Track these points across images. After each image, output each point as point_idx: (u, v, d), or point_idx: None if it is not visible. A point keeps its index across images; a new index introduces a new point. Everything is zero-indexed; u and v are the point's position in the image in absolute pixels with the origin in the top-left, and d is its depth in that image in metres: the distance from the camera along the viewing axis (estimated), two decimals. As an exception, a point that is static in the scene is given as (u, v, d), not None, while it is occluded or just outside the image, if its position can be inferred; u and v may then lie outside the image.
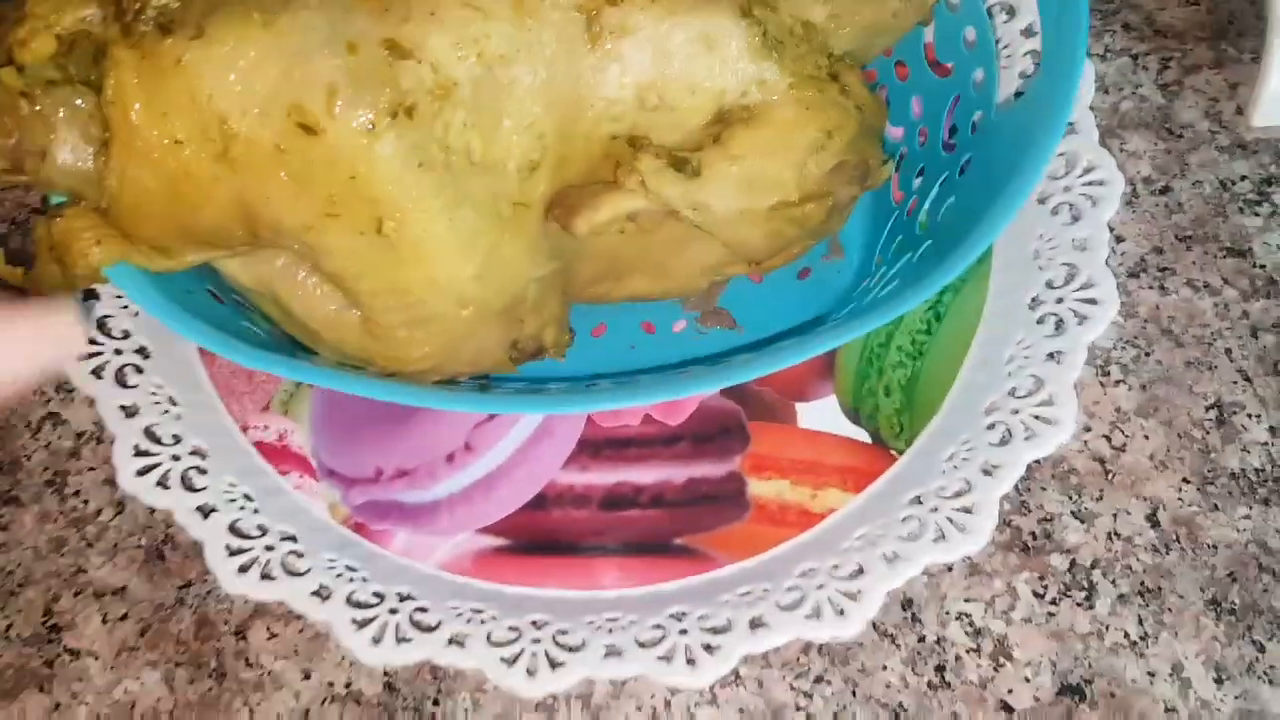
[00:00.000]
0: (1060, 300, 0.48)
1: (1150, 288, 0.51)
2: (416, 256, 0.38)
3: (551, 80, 0.39)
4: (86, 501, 0.49)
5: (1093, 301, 0.47)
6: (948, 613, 0.45)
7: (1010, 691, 0.43)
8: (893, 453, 0.48)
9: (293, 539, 0.46)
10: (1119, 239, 0.52)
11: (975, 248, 0.37)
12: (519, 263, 0.41)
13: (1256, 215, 0.52)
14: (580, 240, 0.42)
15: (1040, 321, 0.48)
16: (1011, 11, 0.51)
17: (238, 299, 0.44)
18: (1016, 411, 0.46)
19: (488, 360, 0.43)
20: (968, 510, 0.44)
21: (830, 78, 0.42)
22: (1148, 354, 0.50)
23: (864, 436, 0.48)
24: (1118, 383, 0.49)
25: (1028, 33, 0.50)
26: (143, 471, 0.47)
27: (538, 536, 0.47)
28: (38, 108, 0.36)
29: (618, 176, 0.41)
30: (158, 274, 0.39)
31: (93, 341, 0.49)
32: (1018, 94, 0.43)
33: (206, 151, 0.36)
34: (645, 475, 0.48)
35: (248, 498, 0.47)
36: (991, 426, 0.46)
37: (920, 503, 0.45)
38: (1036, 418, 0.46)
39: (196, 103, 0.35)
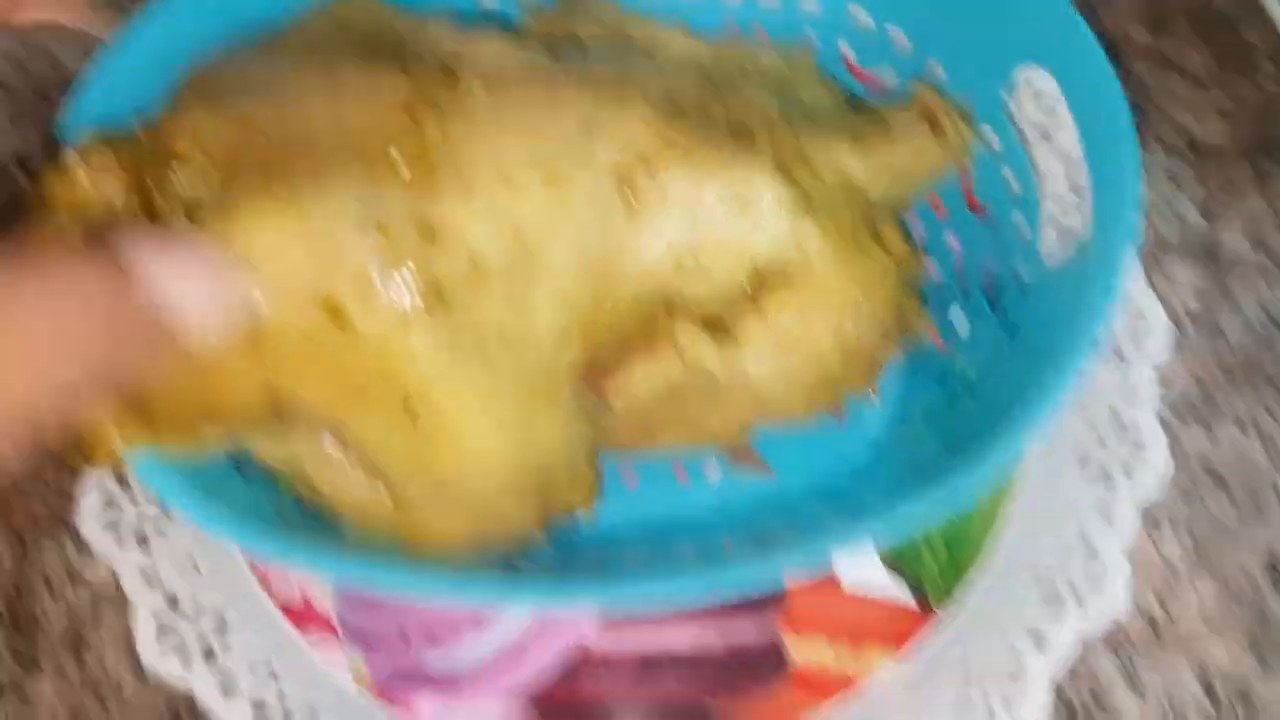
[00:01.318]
0: (1107, 451, 0.46)
1: (1198, 431, 0.49)
2: (447, 437, 0.37)
3: (584, 249, 0.38)
4: (106, 667, 0.47)
5: (1141, 455, 0.46)
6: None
7: None
8: (936, 611, 0.46)
9: (316, 715, 0.44)
10: (1164, 378, 0.50)
11: (1020, 435, 0.36)
12: (550, 433, 0.40)
13: (1306, 346, 0.51)
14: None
15: (1088, 478, 0.46)
16: (1047, 135, 0.49)
17: (265, 476, 0.42)
18: (1065, 574, 0.44)
19: (518, 529, 0.42)
20: (1015, 681, 0.42)
21: (866, 230, 0.41)
22: (1198, 504, 0.48)
23: (905, 593, 0.46)
24: (1167, 536, 0.47)
25: (1066, 159, 0.49)
26: (164, 644, 0.45)
27: (571, 707, 0.45)
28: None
29: (653, 343, 0.40)
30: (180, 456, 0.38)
31: (110, 503, 0.47)
32: (1065, 249, 0.42)
33: (236, 339, 0.35)
34: (681, 642, 0.46)
35: (270, 667, 0.45)
36: (1039, 589, 0.44)
37: (966, 674, 0.43)
38: (1086, 583, 0.44)
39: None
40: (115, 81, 0.40)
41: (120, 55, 0.41)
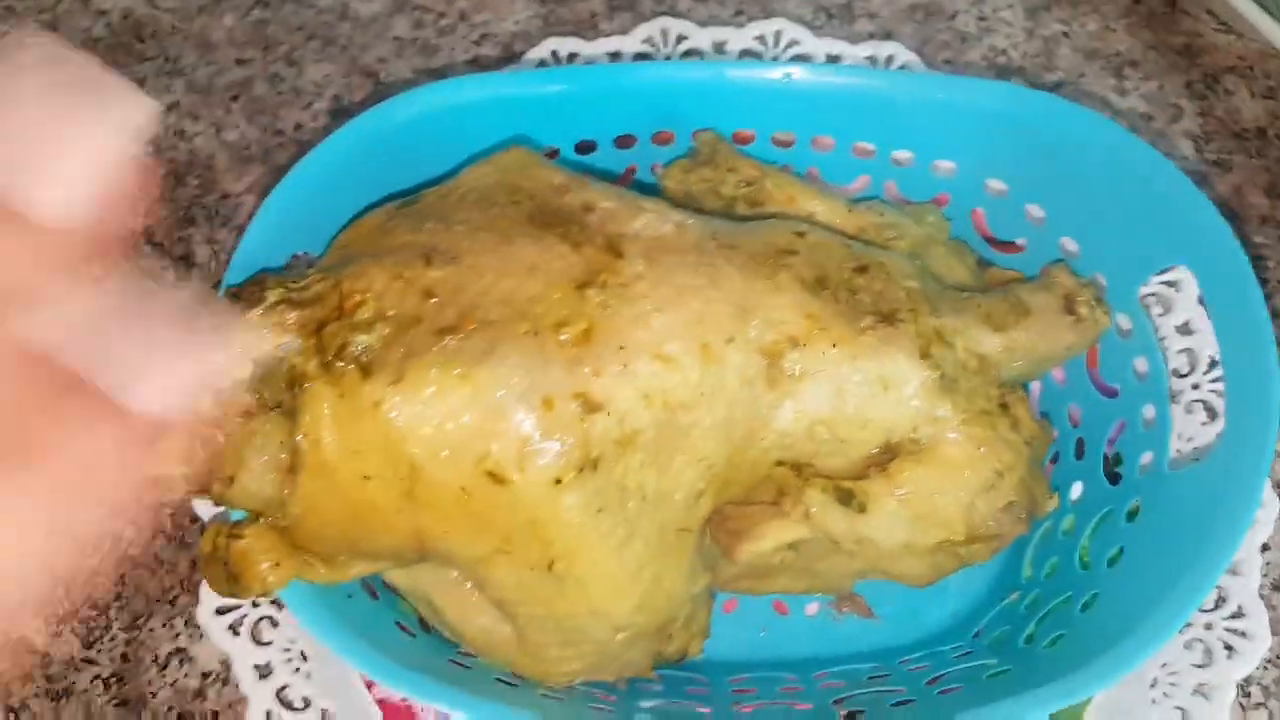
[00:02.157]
0: (1209, 627, 0.47)
1: (1299, 604, 0.50)
2: (582, 591, 0.38)
3: (728, 419, 0.39)
4: (211, 754, 0.49)
5: (1242, 634, 0.46)
6: None
7: None
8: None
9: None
10: (1264, 547, 0.51)
11: (1155, 635, 0.36)
12: (678, 588, 0.41)
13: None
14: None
15: (1188, 647, 0.47)
16: (1166, 304, 0.50)
17: (391, 590, 0.44)
18: (1165, 748, 0.45)
19: (631, 670, 0.43)
20: None
21: (1001, 410, 0.42)
22: (1295, 679, 0.48)
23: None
24: (1258, 705, 0.48)
25: (1184, 330, 0.49)
26: (273, 738, 0.46)
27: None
28: (231, 437, 0.36)
29: (782, 505, 0.41)
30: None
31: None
32: (1195, 442, 0.43)
33: (394, 488, 0.36)
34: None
35: (372, 770, 0.47)
36: (1138, 761, 0.45)
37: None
38: (1186, 756, 0.45)
39: (389, 443, 0.35)
40: (280, 221, 0.42)
41: (285, 192, 0.42)
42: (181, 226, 0.59)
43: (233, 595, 0.39)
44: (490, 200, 0.40)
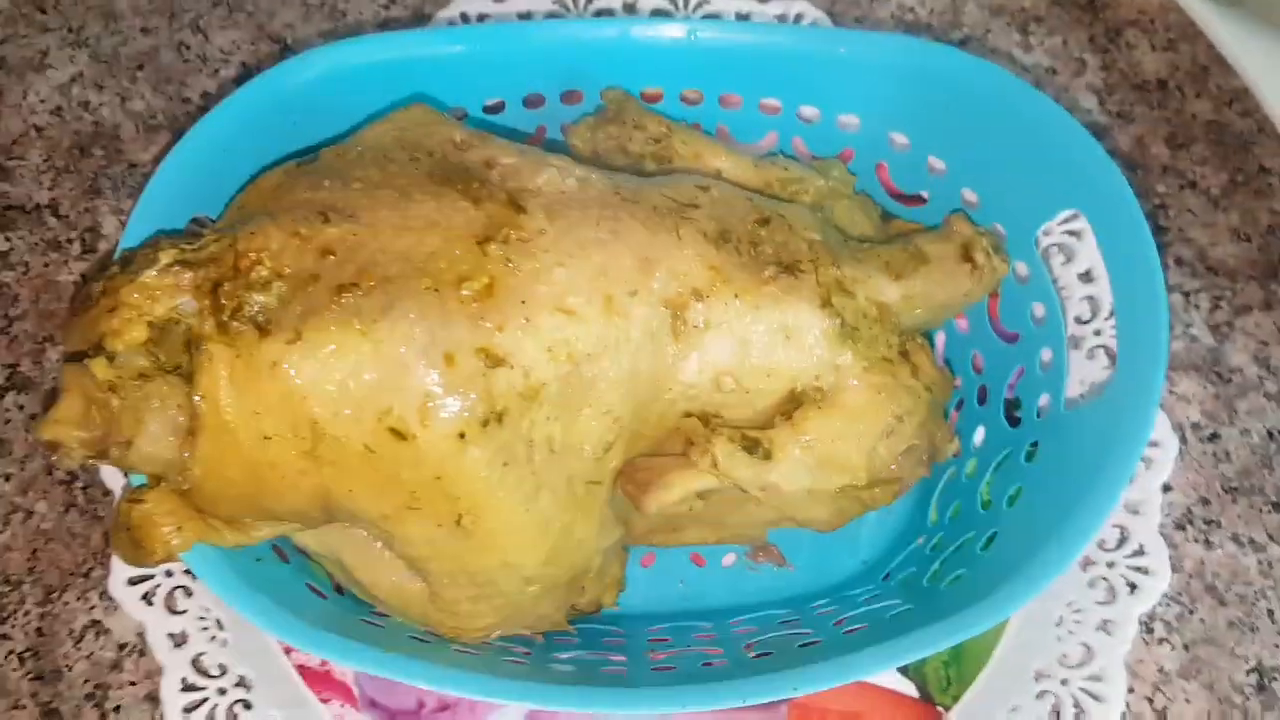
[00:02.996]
0: (1112, 565, 0.48)
1: (1196, 541, 0.51)
2: (492, 545, 0.38)
3: (634, 371, 0.39)
4: (127, 719, 0.49)
5: (1144, 570, 0.48)
6: None
7: None
8: (939, 709, 0.48)
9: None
10: (1166, 487, 0.52)
11: (1049, 569, 0.37)
12: (588, 539, 0.41)
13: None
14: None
15: (1091, 585, 0.48)
16: (1069, 253, 0.51)
17: (302, 553, 0.43)
18: (1065, 682, 0.47)
19: (545, 624, 0.43)
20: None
21: (901, 357, 0.43)
22: (1191, 612, 0.50)
23: (911, 689, 0.48)
24: (1161, 640, 0.50)
25: (1086, 278, 0.51)
26: (189, 708, 0.46)
27: (584, 785, 0.47)
28: (125, 400, 0.36)
29: (690, 455, 0.41)
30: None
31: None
32: (1090, 380, 0.44)
33: (295, 448, 0.36)
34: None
35: (291, 735, 0.47)
36: (1040, 696, 0.46)
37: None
38: (1085, 692, 0.46)
39: (289, 403, 0.35)
40: (177, 181, 0.41)
41: (181, 156, 0.41)
42: (88, 198, 0.58)
43: (138, 563, 0.38)
44: (389, 157, 0.39)
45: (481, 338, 0.36)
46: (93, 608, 0.51)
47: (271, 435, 0.36)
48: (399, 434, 0.36)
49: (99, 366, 0.36)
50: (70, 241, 0.57)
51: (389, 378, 0.35)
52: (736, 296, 0.39)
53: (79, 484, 0.52)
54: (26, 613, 0.51)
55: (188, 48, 0.62)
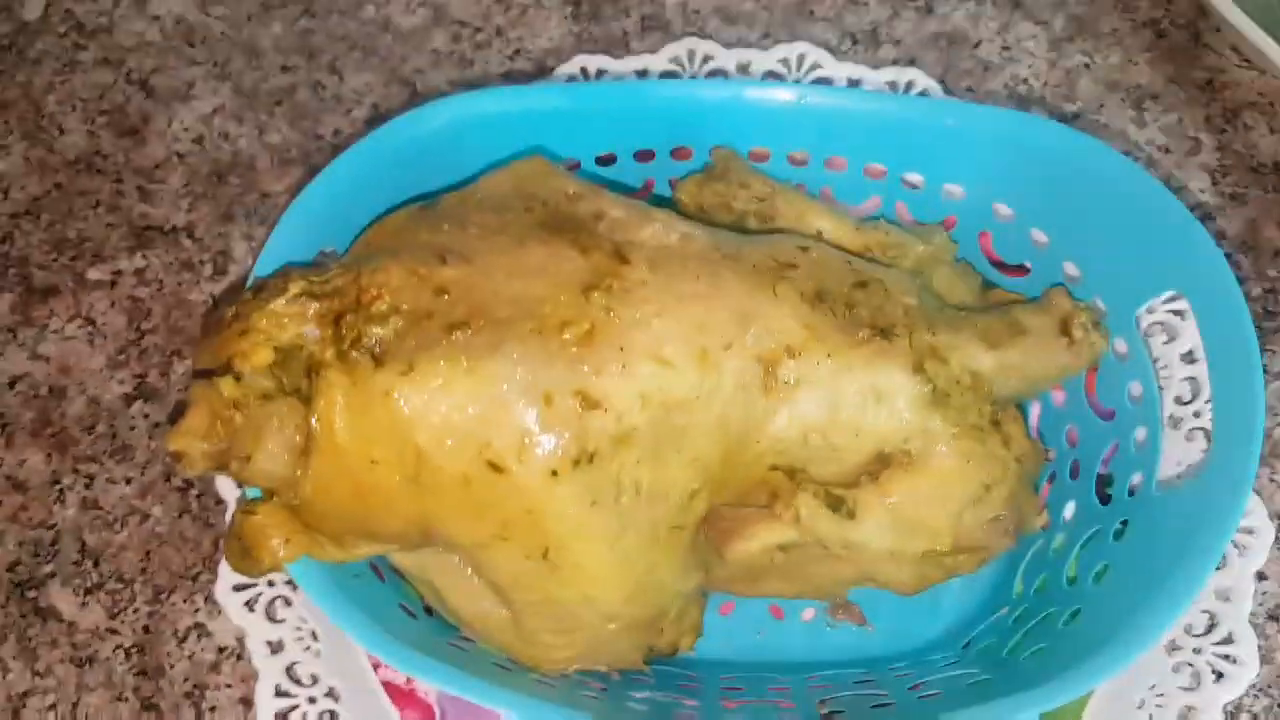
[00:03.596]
0: (1198, 651, 0.47)
1: (1290, 634, 0.50)
2: (576, 579, 0.40)
3: (723, 422, 0.40)
4: (221, 719, 0.51)
5: (1231, 659, 0.47)
6: None
7: None
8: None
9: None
10: (1260, 575, 0.51)
11: (1131, 648, 0.37)
12: (669, 582, 0.42)
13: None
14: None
15: (1176, 670, 0.47)
16: (1171, 332, 0.51)
17: (397, 573, 0.46)
18: (1147, 769, 0.46)
19: (623, 662, 0.44)
20: None
21: (992, 426, 0.43)
22: (1282, 706, 0.49)
23: (986, 761, 0.48)
24: (1249, 735, 0.49)
25: (1189, 359, 0.50)
26: (280, 714, 0.48)
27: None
28: (248, 418, 0.38)
29: (774, 508, 0.42)
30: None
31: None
32: (1185, 463, 0.43)
33: (399, 473, 0.38)
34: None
35: (374, 748, 0.48)
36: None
37: None
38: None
39: (397, 430, 0.37)
40: (308, 217, 0.44)
41: (315, 192, 0.44)
42: (222, 223, 0.62)
43: (245, 571, 0.41)
44: (505, 205, 0.42)
45: (579, 381, 0.38)
46: (197, 610, 0.53)
47: (379, 460, 0.38)
48: (496, 467, 0.37)
49: (226, 385, 0.38)
50: (203, 263, 0.61)
51: (490, 413, 0.37)
52: (829, 356, 0.41)
53: (194, 492, 0.56)
54: (136, 610, 0.54)
55: (324, 87, 0.65)
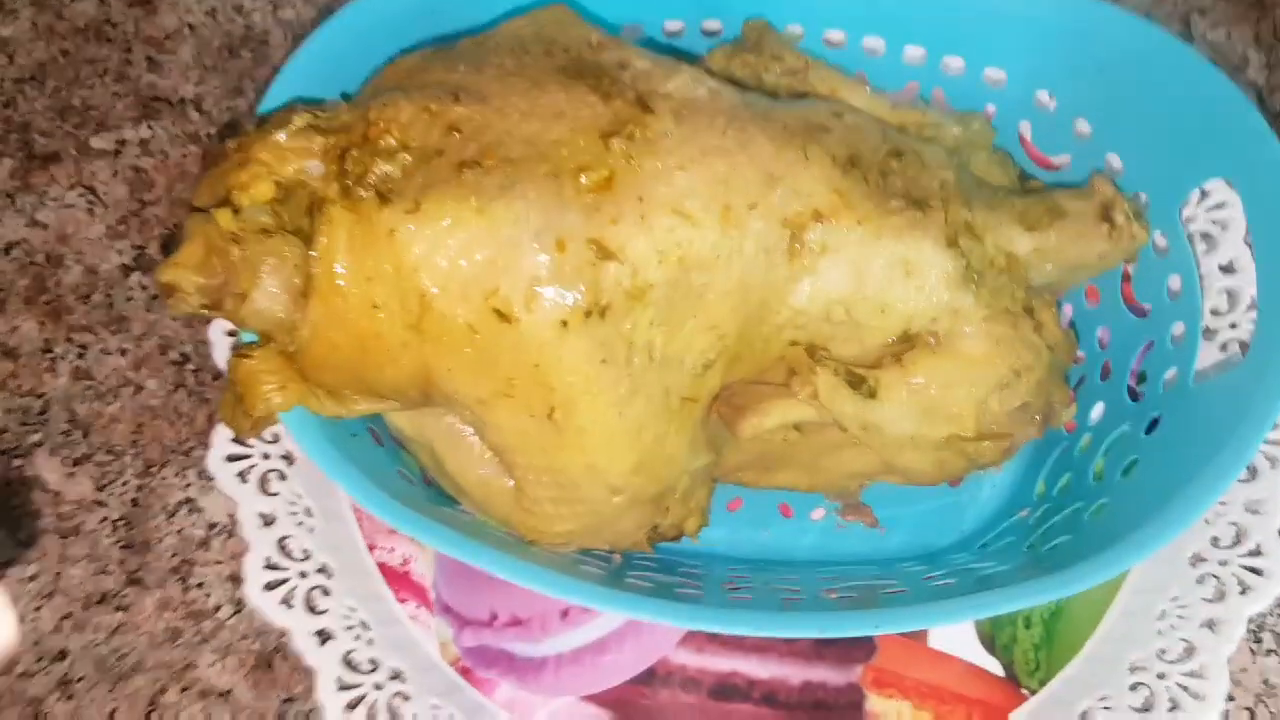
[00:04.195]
0: (1224, 563, 0.46)
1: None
2: (581, 444, 0.38)
3: (743, 287, 0.38)
4: (208, 595, 0.50)
5: (1258, 571, 0.45)
6: None
7: None
8: (1024, 691, 0.46)
9: (401, 678, 0.46)
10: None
11: (1157, 537, 0.35)
12: (678, 456, 0.40)
13: None
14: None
15: (1200, 581, 0.46)
16: (1211, 243, 0.49)
17: (395, 441, 0.44)
18: (1162, 676, 0.44)
19: (626, 540, 0.43)
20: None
21: (1025, 312, 0.41)
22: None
23: (996, 667, 0.46)
24: (1270, 652, 0.47)
25: (1228, 270, 0.48)
26: (270, 586, 0.47)
27: (642, 715, 0.46)
28: (246, 253, 0.36)
29: (791, 385, 0.40)
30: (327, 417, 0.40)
31: (240, 443, 0.49)
32: (1219, 361, 0.41)
33: (401, 319, 0.36)
34: (760, 669, 0.47)
35: (364, 625, 0.47)
36: (1134, 688, 0.44)
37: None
38: (1183, 688, 0.44)
39: (401, 273, 0.35)
40: (319, 59, 0.42)
41: (325, 37, 0.42)
42: (231, 97, 0.60)
43: (237, 424, 0.39)
44: (525, 49, 0.39)
45: (594, 228, 0.36)
46: (188, 485, 0.52)
47: (380, 304, 0.36)
48: (503, 315, 0.35)
49: (224, 217, 0.36)
50: (209, 136, 0.59)
51: (499, 257, 0.35)
52: (859, 223, 0.38)
53: (190, 366, 0.54)
54: (125, 483, 0.52)
55: None
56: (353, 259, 0.36)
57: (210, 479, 0.51)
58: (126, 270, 0.56)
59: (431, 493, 0.43)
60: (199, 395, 0.53)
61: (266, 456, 0.49)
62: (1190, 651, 0.44)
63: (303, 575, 0.48)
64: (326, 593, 0.47)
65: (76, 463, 0.52)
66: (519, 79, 0.38)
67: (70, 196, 0.57)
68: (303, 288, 0.36)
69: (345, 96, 0.41)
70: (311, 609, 0.47)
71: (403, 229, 0.35)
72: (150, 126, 0.59)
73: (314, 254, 0.36)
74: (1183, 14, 0.60)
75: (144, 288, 0.56)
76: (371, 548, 0.49)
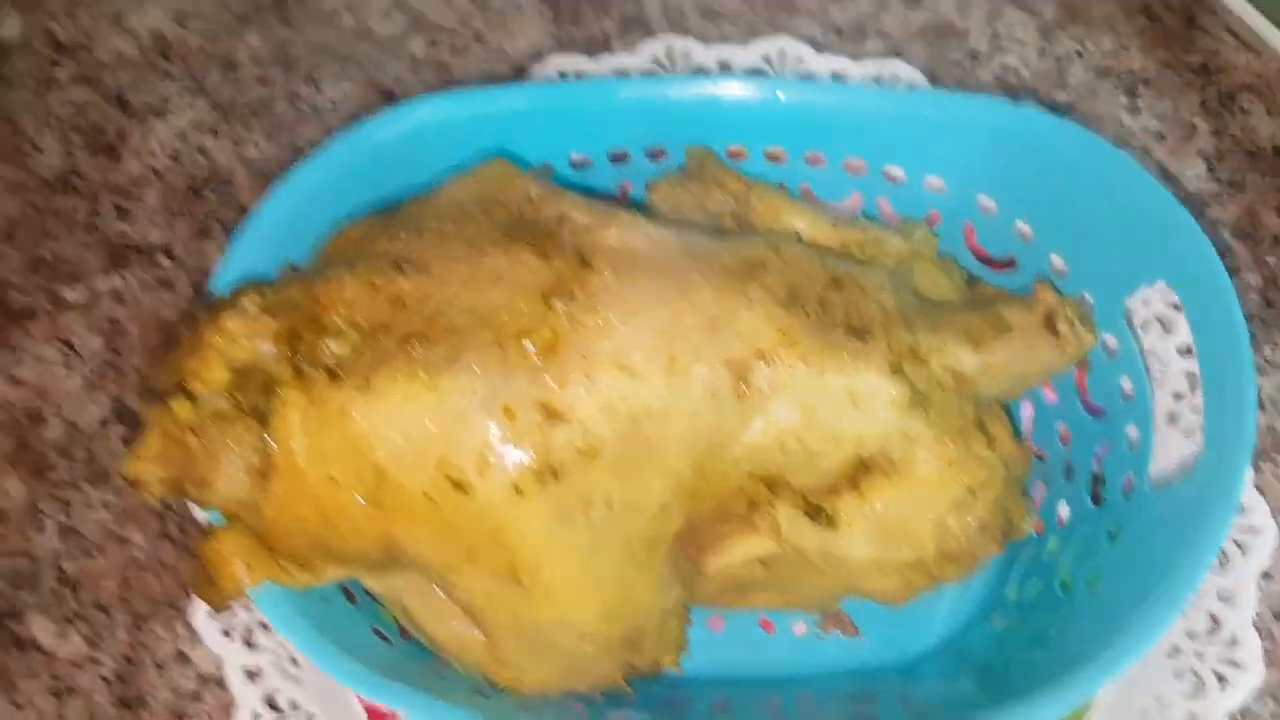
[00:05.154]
0: (1201, 656, 0.46)
1: (1299, 635, 0.48)
2: (548, 600, 0.39)
3: (694, 431, 0.39)
4: (204, 752, 0.50)
5: (1235, 664, 0.45)
6: None
7: None
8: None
9: (397, 827, 0.46)
10: (1265, 576, 0.49)
11: (1122, 657, 0.36)
12: (647, 597, 0.41)
13: None
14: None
15: (1178, 676, 0.46)
16: (1168, 325, 0.49)
17: (369, 595, 0.44)
18: (1150, 777, 0.44)
19: (603, 682, 0.43)
20: None
21: (976, 428, 0.41)
22: (1292, 711, 0.47)
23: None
24: (1257, 742, 0.47)
25: (1186, 353, 0.49)
26: (259, 740, 0.47)
27: None
28: (204, 441, 0.37)
29: (752, 520, 0.41)
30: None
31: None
32: (1177, 459, 0.42)
33: (361, 493, 0.37)
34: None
35: (357, 775, 0.47)
36: (1122, 791, 0.44)
37: None
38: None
39: (357, 449, 0.36)
40: (272, 229, 0.43)
41: (269, 212, 0.44)
42: (199, 240, 0.61)
43: (210, 600, 0.39)
44: (465, 211, 0.40)
45: (540, 392, 0.37)
46: (179, 638, 0.52)
47: (339, 479, 0.37)
48: (458, 485, 0.36)
49: (181, 407, 0.37)
50: (181, 282, 0.60)
51: (451, 429, 0.36)
52: (803, 360, 0.39)
53: (173, 516, 0.54)
54: (116, 639, 0.52)
55: (301, 98, 0.64)
56: (309, 438, 0.36)
57: (198, 631, 0.51)
58: (105, 423, 0.57)
59: (410, 647, 0.44)
60: (183, 545, 0.54)
61: (249, 610, 0.50)
62: (1174, 749, 0.44)
63: (292, 728, 0.48)
64: (317, 744, 0.48)
65: (68, 621, 0.53)
66: (458, 244, 0.39)
67: (47, 351, 0.58)
68: (262, 468, 0.37)
69: (292, 267, 0.42)
70: (303, 762, 0.47)
71: (355, 407, 0.36)
72: (122, 275, 0.60)
73: (270, 436, 0.37)
74: (1128, 87, 0.61)
75: (124, 440, 0.56)
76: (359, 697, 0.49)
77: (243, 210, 0.61)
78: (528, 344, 0.37)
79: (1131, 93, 0.61)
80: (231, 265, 0.42)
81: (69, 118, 0.64)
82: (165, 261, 0.60)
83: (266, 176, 0.62)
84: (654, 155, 0.50)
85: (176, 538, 0.54)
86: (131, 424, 0.57)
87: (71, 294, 0.60)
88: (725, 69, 0.59)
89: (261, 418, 0.37)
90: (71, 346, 0.58)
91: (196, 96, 0.65)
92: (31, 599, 0.53)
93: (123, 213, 0.62)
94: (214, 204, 0.62)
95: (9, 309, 0.59)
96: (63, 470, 0.56)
